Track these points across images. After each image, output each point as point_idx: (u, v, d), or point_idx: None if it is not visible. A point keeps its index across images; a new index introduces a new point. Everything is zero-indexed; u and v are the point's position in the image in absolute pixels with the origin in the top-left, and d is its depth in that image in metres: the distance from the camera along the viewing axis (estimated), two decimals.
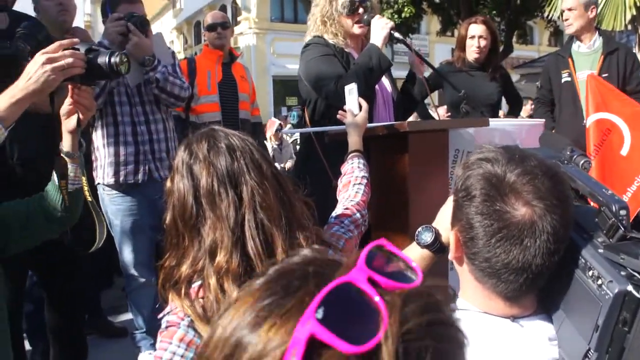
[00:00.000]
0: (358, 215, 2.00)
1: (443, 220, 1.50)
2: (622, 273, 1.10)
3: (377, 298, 0.55)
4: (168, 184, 1.58)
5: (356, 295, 0.56)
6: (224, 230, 1.49)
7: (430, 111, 4.82)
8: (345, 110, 2.61)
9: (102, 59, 1.86)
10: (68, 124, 1.99)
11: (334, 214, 1.99)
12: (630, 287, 1.08)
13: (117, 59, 1.87)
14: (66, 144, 2.02)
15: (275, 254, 1.51)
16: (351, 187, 2.16)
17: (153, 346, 3.59)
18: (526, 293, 1.23)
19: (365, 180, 2.20)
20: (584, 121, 4.10)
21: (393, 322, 0.53)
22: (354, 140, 2.45)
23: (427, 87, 3.50)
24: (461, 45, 4.43)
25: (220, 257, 1.48)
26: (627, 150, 3.89)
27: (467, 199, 1.20)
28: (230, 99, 4.72)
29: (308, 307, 0.54)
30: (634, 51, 9.51)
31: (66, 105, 1.97)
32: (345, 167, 2.31)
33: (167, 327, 1.51)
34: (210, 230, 1.50)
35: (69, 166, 2.03)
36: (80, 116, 1.96)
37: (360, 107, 2.57)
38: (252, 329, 0.58)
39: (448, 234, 1.35)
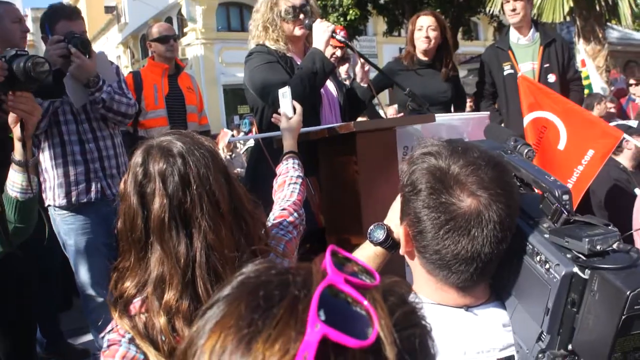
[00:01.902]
0: (296, 215, 2.01)
1: (394, 216, 1.51)
2: (568, 256, 1.13)
3: (360, 296, 0.58)
4: (121, 186, 1.53)
5: (342, 296, 0.58)
6: (174, 268, 1.45)
7: (379, 110, 4.85)
8: (280, 114, 2.64)
9: (18, 65, 1.83)
10: (15, 131, 1.96)
11: (271, 215, 1.98)
12: (576, 269, 1.10)
13: (30, 63, 1.83)
14: (17, 153, 1.98)
15: None
16: (286, 186, 2.18)
17: None
18: (477, 282, 1.25)
19: (300, 180, 2.22)
20: None
21: (383, 315, 0.57)
22: (289, 143, 2.49)
23: (373, 92, 3.51)
24: (411, 40, 4.36)
25: (170, 296, 1.44)
26: (564, 145, 4.03)
27: (413, 194, 1.21)
28: (178, 112, 4.68)
29: (308, 312, 0.55)
30: (574, 41, 9.82)
31: (11, 114, 1.93)
32: (280, 168, 2.33)
33: (108, 346, 1.48)
34: (158, 262, 1.47)
35: (19, 175, 1.99)
36: (25, 122, 1.93)
37: (295, 110, 2.60)
38: (246, 349, 0.56)
39: (399, 230, 1.36)
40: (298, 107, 2.62)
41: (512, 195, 1.19)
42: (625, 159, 4.68)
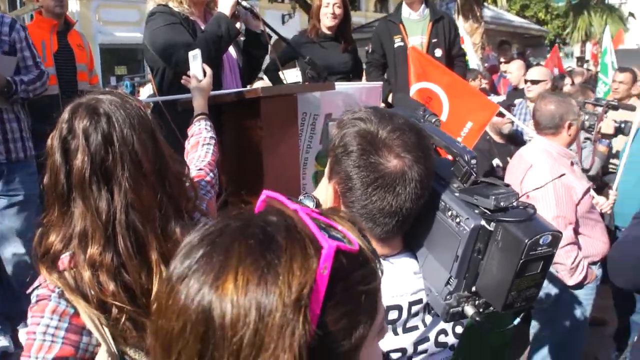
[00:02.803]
0: (212, 175, 2.09)
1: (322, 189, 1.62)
2: (476, 211, 1.31)
3: (330, 221, 0.73)
4: (49, 142, 1.54)
5: (317, 222, 0.72)
6: (96, 222, 1.49)
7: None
8: (189, 76, 2.68)
9: None
10: None
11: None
12: (483, 222, 1.29)
13: None
14: None
15: (148, 256, 1.54)
16: (200, 147, 2.23)
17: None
18: (396, 234, 1.42)
19: (213, 141, 2.28)
20: None
21: (352, 230, 0.73)
22: (200, 104, 2.54)
23: (267, 40, 3.58)
24: (316, 15, 4.61)
25: (94, 250, 1.49)
26: (446, 116, 4.31)
27: (345, 154, 1.35)
28: (68, 70, 4.54)
29: (310, 235, 0.68)
30: (454, 18, 10.30)
31: None
32: (193, 129, 2.38)
33: (37, 302, 1.51)
34: (81, 217, 1.51)
35: None
36: None
37: (205, 72, 2.65)
38: (272, 277, 0.64)
39: (327, 190, 1.49)
40: (208, 69, 2.67)
41: (430, 158, 1.36)
42: (491, 130, 4.98)
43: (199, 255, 0.68)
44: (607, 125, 4.63)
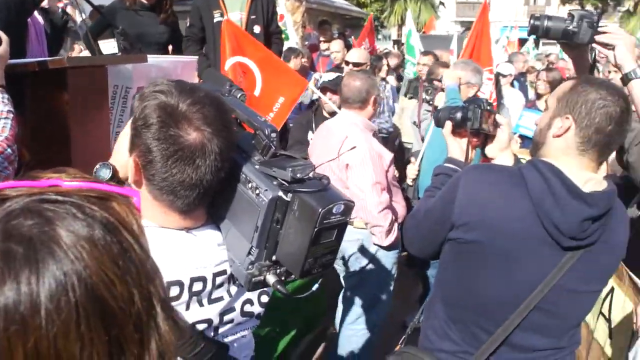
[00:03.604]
0: (9, 150, 1.97)
1: (119, 157, 1.58)
2: (274, 183, 1.36)
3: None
4: None
5: None
6: None
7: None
8: None
9: None
10: None
11: None
12: (280, 193, 1.34)
13: None
14: None
15: None
16: None
17: None
18: (198, 206, 1.44)
19: (11, 115, 2.14)
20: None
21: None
22: None
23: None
24: None
25: None
26: (259, 91, 4.41)
27: (144, 127, 1.33)
28: None
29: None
30: None
31: None
32: None
33: None
34: None
35: None
36: None
37: (0, 40, 2.46)
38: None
39: (124, 169, 1.47)
40: (4, 36, 2.46)
41: (230, 131, 1.39)
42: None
43: None
44: (439, 99, 5.01)
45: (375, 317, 3.92)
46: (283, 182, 1.35)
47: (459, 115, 2.13)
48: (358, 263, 3.77)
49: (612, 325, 2.25)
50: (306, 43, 10.45)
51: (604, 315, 2.33)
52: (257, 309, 1.62)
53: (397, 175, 4.01)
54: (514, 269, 1.79)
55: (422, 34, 19.86)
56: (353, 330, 3.93)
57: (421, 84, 5.26)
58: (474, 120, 2.09)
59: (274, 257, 1.41)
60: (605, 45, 2.18)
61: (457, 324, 1.90)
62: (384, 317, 3.96)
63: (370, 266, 3.77)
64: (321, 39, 10.21)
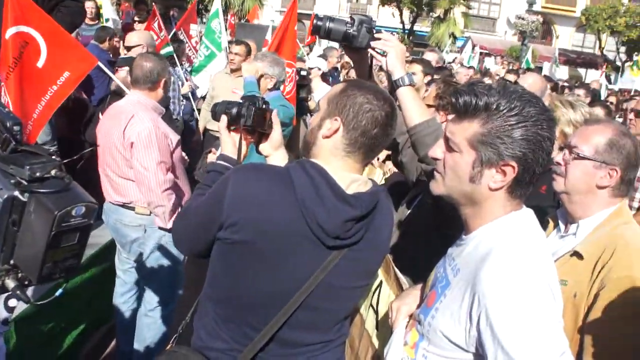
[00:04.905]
0: None
1: None
2: (12, 181, 1.26)
3: None
4: None
5: None
6: None
7: None
8: None
9: None
10: None
11: None
12: (17, 193, 1.24)
13: None
14: None
15: None
16: None
17: None
18: None
19: None
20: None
21: None
22: None
23: None
24: None
25: None
26: (42, 63, 4.18)
27: None
28: None
29: None
30: None
31: None
32: None
33: None
34: None
35: None
36: None
37: None
38: None
39: None
40: None
41: None
42: None
43: None
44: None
45: (172, 305, 3.90)
46: (21, 180, 1.26)
47: (234, 110, 2.13)
48: (142, 249, 3.75)
49: (379, 318, 2.40)
50: (121, 22, 10.05)
51: (373, 307, 2.48)
52: (3, 313, 1.50)
53: (187, 160, 4.02)
54: (281, 267, 1.82)
55: (246, 22, 19.90)
56: (151, 319, 3.89)
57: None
58: (247, 118, 2.10)
59: (11, 261, 1.31)
60: (379, 51, 2.30)
61: (227, 323, 1.90)
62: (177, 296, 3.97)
63: (158, 253, 3.76)
64: (136, 18, 9.85)
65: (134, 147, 3.48)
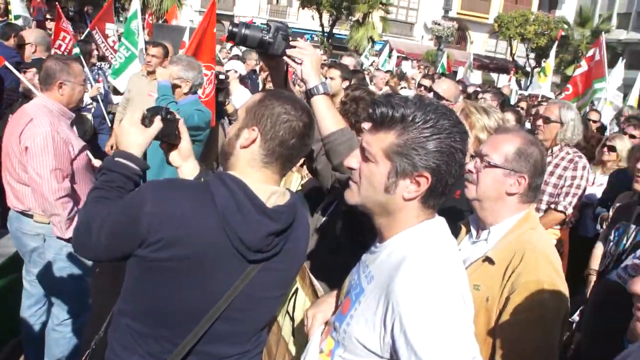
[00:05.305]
0: None
1: None
2: None
3: None
4: None
5: None
6: None
7: None
8: None
9: None
10: None
11: None
12: None
13: None
14: None
15: None
16: None
17: None
18: None
19: None
20: None
21: None
22: None
23: None
24: None
25: None
26: None
27: None
28: None
29: None
30: None
31: None
32: None
33: None
34: None
35: None
36: None
37: None
38: None
39: None
40: None
41: None
42: None
43: None
44: None
45: (84, 316, 3.78)
46: None
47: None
48: (42, 260, 3.61)
49: (295, 325, 2.40)
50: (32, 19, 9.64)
51: (289, 314, 2.47)
52: None
53: (96, 166, 3.87)
54: (204, 283, 1.80)
55: (164, 22, 19.50)
56: (60, 333, 3.74)
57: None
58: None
59: None
60: (294, 59, 2.30)
61: (144, 337, 1.85)
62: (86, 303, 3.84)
63: (60, 263, 3.62)
64: (48, 16, 9.48)
65: (28, 152, 3.35)
